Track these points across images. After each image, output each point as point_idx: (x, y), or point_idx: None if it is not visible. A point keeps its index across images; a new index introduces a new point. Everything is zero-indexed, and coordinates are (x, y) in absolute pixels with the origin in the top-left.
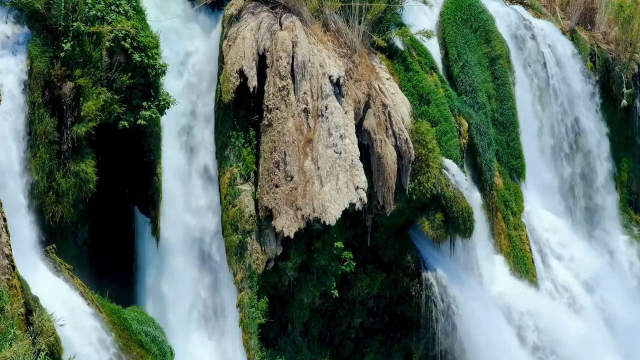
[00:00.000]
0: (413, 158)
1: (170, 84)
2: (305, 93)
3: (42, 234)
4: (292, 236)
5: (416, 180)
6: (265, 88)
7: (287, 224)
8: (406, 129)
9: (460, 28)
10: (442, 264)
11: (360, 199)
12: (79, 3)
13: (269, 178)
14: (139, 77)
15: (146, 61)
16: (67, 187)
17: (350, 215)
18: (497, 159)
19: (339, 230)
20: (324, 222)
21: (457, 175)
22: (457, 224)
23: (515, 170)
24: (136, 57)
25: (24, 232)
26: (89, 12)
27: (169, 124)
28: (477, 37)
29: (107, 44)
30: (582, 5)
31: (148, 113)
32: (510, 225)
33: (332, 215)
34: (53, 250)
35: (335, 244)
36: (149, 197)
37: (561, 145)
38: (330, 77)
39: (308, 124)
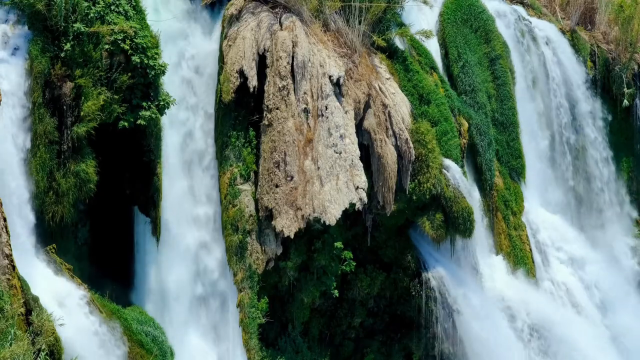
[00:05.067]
0: (413, 158)
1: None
2: (305, 93)
3: (42, 234)
4: (292, 236)
5: (416, 180)
6: (265, 88)
7: (287, 224)
8: (406, 129)
9: (460, 28)
10: (442, 264)
11: (361, 199)
12: (78, 3)
13: (269, 178)
14: (138, 77)
15: (145, 62)
16: (67, 187)
17: (350, 215)
18: (497, 158)
19: (339, 230)
20: (324, 222)
21: (457, 175)
22: (457, 224)
23: (515, 170)
24: (135, 58)
25: (24, 232)
26: (88, 13)
27: None
28: (477, 37)
29: (107, 46)
30: (582, 5)
31: (148, 113)
32: (510, 225)
33: (332, 215)
34: (53, 250)
35: (335, 244)
36: (149, 197)
37: (561, 144)
38: (330, 77)
39: (308, 123)
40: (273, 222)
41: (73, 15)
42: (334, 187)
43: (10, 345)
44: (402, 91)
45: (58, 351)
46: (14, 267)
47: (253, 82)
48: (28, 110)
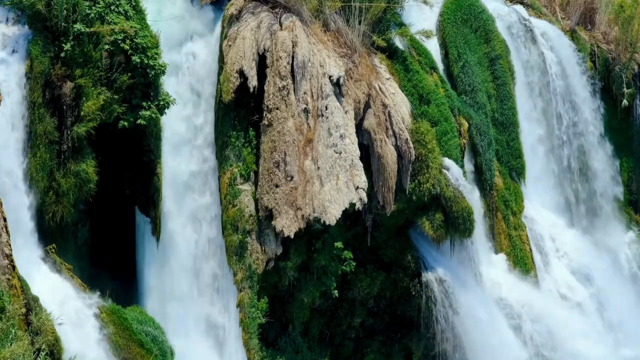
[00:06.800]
0: (413, 158)
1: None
2: (305, 93)
3: (42, 234)
4: (292, 236)
5: (416, 180)
6: (265, 88)
7: (287, 224)
8: (406, 129)
9: (460, 28)
10: (442, 264)
11: (360, 199)
12: (78, 3)
13: (269, 178)
14: (138, 77)
15: (145, 61)
16: (68, 187)
17: (350, 215)
18: (497, 158)
19: (339, 230)
20: (324, 222)
21: (457, 175)
22: (457, 224)
23: (515, 170)
24: (135, 58)
25: (24, 232)
26: (88, 13)
27: None
28: (477, 37)
29: (107, 46)
30: (582, 5)
31: (148, 113)
32: (510, 225)
33: (332, 215)
34: (53, 250)
35: (335, 244)
36: (149, 197)
37: (560, 144)
38: (330, 77)
39: (308, 123)
40: (273, 222)
41: (73, 15)
42: (334, 187)
43: (11, 345)
44: (402, 91)
45: (58, 351)
46: (14, 267)
47: (253, 82)
48: (28, 110)
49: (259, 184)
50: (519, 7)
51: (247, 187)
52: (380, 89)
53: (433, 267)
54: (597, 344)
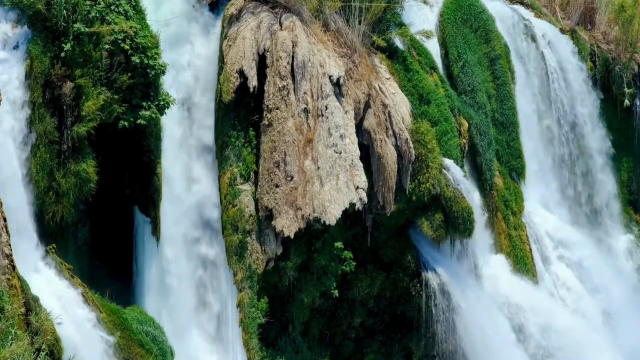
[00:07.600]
0: (413, 158)
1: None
2: (305, 93)
3: (42, 234)
4: (292, 236)
5: (416, 180)
6: (265, 88)
7: (287, 224)
8: (406, 129)
9: (460, 28)
10: (442, 264)
11: (361, 199)
12: (78, 3)
13: (269, 178)
14: (138, 77)
15: (145, 61)
16: (68, 187)
17: (350, 215)
18: (497, 158)
19: (339, 230)
20: (324, 222)
21: (457, 175)
22: (457, 224)
23: (515, 170)
24: (135, 58)
25: (24, 231)
26: (88, 13)
27: None
28: (477, 37)
29: (107, 46)
30: (582, 5)
31: (148, 113)
32: (510, 225)
33: (332, 215)
34: (53, 250)
35: (335, 244)
36: (149, 197)
37: (560, 144)
38: (330, 77)
39: (308, 123)
40: (273, 222)
41: (73, 15)
42: (334, 187)
43: (11, 345)
44: (402, 91)
45: (58, 351)
46: (14, 267)
47: (253, 82)
48: (28, 110)
49: (259, 184)
50: (519, 7)
51: (247, 187)
52: (380, 89)
53: (433, 267)
54: (598, 343)
